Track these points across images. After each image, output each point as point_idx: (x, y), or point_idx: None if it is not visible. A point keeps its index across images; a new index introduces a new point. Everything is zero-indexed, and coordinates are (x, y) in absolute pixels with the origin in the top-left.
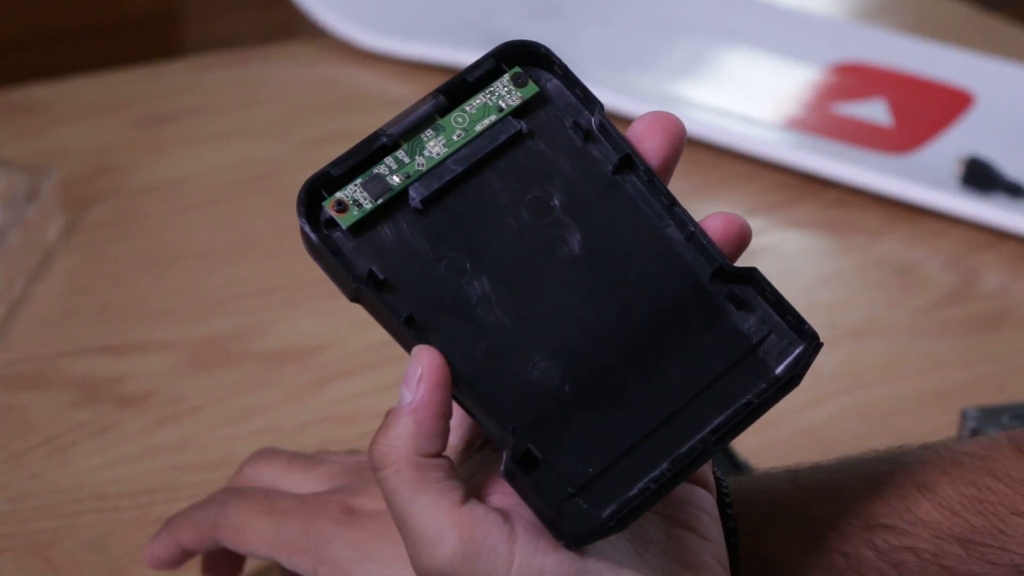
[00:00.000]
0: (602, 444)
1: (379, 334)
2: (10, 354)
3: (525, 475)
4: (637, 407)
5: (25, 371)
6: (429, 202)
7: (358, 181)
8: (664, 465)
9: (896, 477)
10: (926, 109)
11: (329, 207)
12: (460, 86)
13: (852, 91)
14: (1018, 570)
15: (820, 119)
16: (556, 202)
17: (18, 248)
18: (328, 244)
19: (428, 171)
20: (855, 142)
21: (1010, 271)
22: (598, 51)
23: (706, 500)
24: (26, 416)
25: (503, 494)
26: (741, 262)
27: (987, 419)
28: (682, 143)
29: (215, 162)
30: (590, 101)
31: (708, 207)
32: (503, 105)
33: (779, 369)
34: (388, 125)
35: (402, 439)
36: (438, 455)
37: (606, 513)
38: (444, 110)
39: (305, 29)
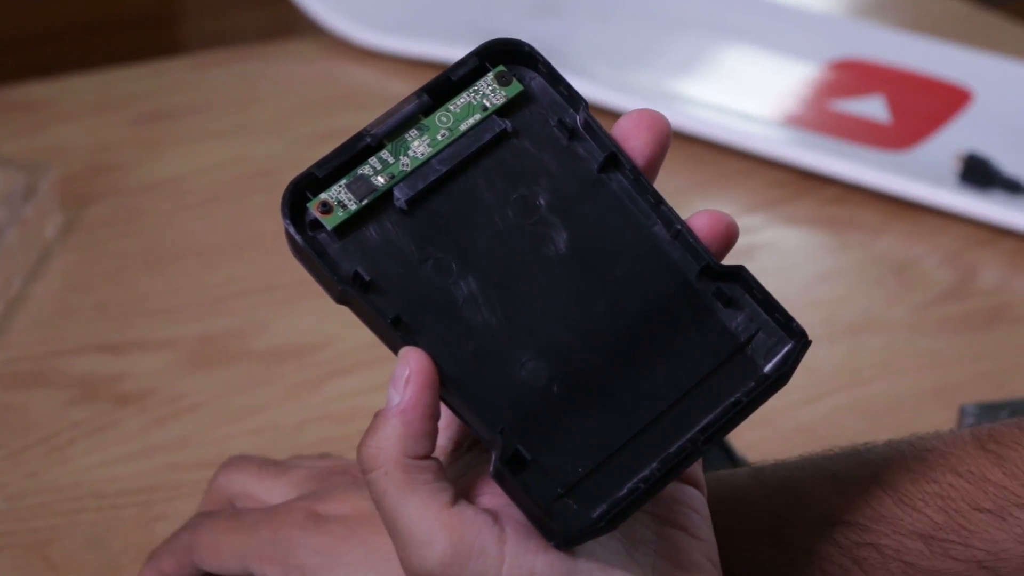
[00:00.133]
0: (591, 444)
1: None
2: (8, 352)
3: (514, 476)
4: (626, 406)
5: (23, 369)
6: (414, 202)
7: (343, 182)
8: (654, 465)
9: (858, 474)
10: (924, 106)
11: (314, 208)
12: (444, 85)
13: (850, 88)
14: (981, 565)
15: (818, 116)
16: (542, 201)
17: (16, 246)
18: (313, 245)
19: (413, 171)
20: (853, 139)
21: (1008, 267)
22: (596, 48)
23: (696, 499)
24: (24, 414)
25: (492, 495)
26: (735, 258)
27: (986, 415)
28: (668, 140)
29: (214, 160)
30: (575, 99)
31: (706, 204)
32: (487, 104)
33: (768, 367)
34: (372, 125)
35: (390, 441)
36: (427, 456)
37: (596, 513)
38: (428, 109)
39: (304, 27)
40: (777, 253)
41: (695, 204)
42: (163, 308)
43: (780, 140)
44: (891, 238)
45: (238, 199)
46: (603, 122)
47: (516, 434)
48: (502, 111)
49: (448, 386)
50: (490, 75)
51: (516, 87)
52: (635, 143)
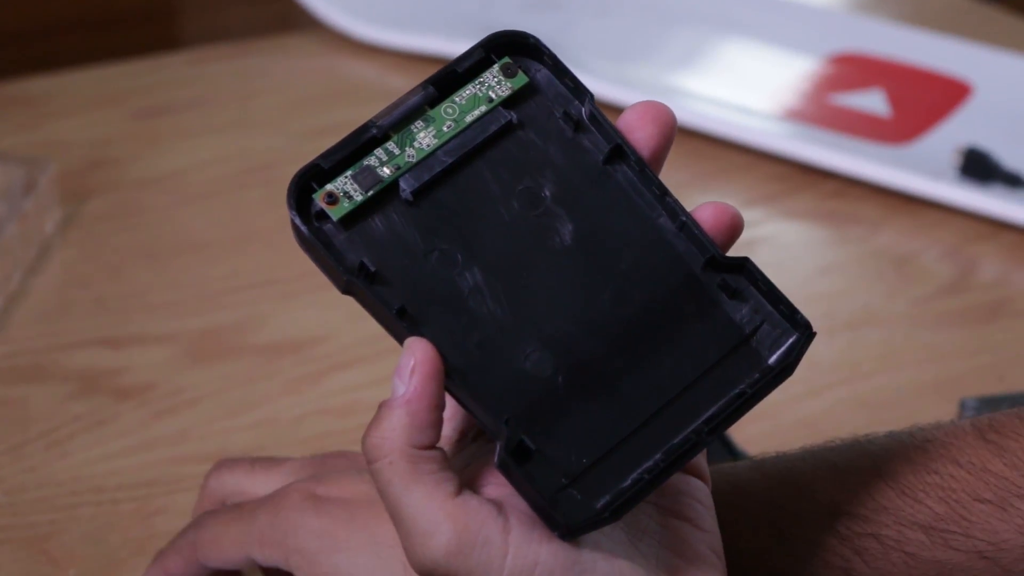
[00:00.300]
0: (596, 434)
1: (376, 326)
2: (8, 347)
3: (519, 466)
4: (630, 397)
5: (23, 364)
6: (420, 193)
7: (348, 173)
8: (658, 455)
9: (859, 465)
10: (924, 99)
11: (320, 199)
12: (450, 77)
13: (850, 82)
14: (982, 556)
15: (818, 110)
16: (547, 193)
17: (15, 241)
18: (319, 236)
19: (418, 162)
20: (853, 133)
21: (1008, 261)
22: (595, 42)
23: (701, 490)
24: (24, 409)
25: (497, 485)
26: (736, 252)
27: (986, 409)
28: (673, 133)
29: (213, 155)
30: (580, 91)
31: (706, 198)
32: (493, 96)
33: (772, 359)
34: (378, 116)
35: (395, 431)
36: (431, 447)
37: (600, 504)
38: (434, 101)
39: (303, 21)
40: (777, 247)
41: (695, 198)
42: (162, 302)
43: (780, 134)
44: (891, 232)
45: (237, 194)
46: (608, 116)
47: (521, 424)
48: (508, 103)
49: (453, 376)
50: (496, 67)
51: (522, 79)
52: (640, 135)
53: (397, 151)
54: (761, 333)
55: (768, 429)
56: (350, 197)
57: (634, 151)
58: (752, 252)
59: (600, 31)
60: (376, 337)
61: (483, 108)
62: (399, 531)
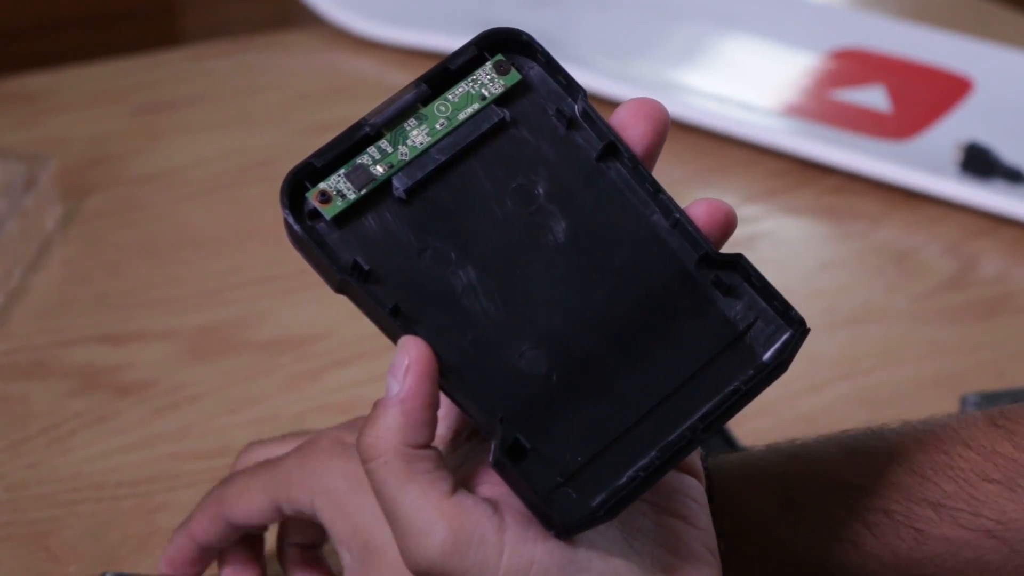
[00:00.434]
0: (591, 433)
1: None
2: (9, 343)
3: (514, 465)
4: (625, 395)
5: (24, 360)
6: (413, 192)
7: (341, 171)
8: (653, 453)
9: (870, 445)
10: (925, 95)
11: (312, 198)
12: (442, 74)
13: (851, 77)
14: (990, 534)
15: (819, 105)
16: (540, 190)
17: (16, 237)
18: (312, 235)
19: (411, 161)
20: (854, 128)
21: (1009, 257)
22: (596, 38)
23: (695, 488)
24: (25, 405)
25: (492, 484)
26: (736, 248)
27: (987, 405)
28: (666, 129)
29: (213, 151)
30: (573, 88)
31: (707, 194)
32: (486, 93)
33: (767, 355)
34: (371, 115)
35: (390, 430)
36: (426, 446)
37: (596, 502)
38: (427, 99)
39: (303, 17)
40: (777, 243)
41: (695, 194)
42: (163, 299)
43: (781, 130)
44: (892, 228)
45: (238, 190)
46: (602, 112)
47: (515, 423)
48: (501, 100)
49: (447, 375)
50: (488, 64)
51: (514, 76)
52: (633, 132)
53: (390, 149)
54: (755, 330)
55: (769, 425)
56: (343, 196)
57: (627, 148)
58: (753, 248)
59: (601, 27)
60: (376, 334)
61: (476, 106)
62: (394, 531)
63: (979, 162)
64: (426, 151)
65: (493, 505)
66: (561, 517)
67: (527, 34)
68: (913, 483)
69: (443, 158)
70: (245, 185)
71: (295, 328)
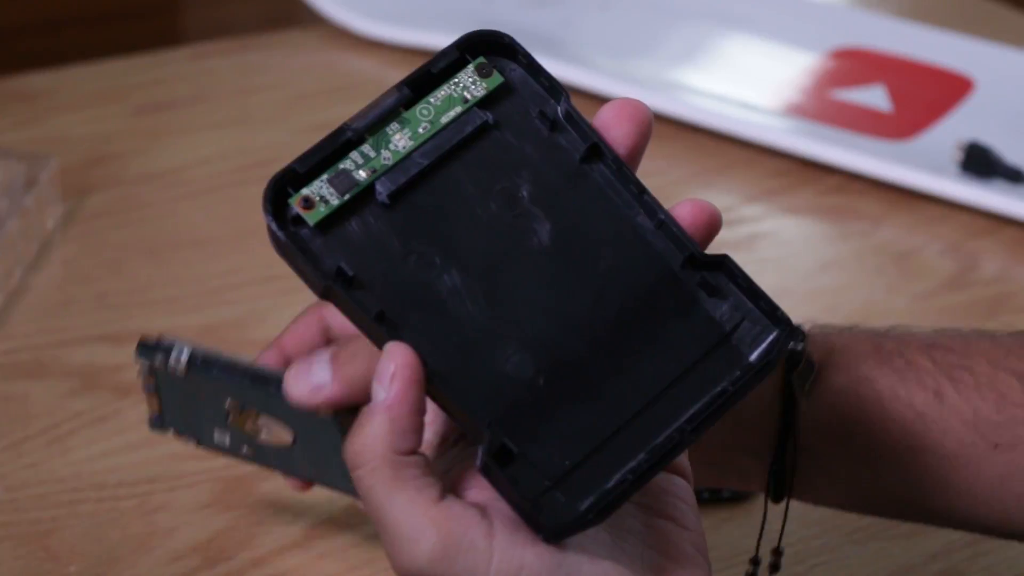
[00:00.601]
0: (578, 436)
1: None
2: (9, 343)
3: (501, 469)
4: (612, 398)
5: (24, 360)
6: (396, 196)
7: (324, 177)
8: (641, 455)
9: (959, 329)
10: (925, 95)
11: (295, 204)
12: (424, 78)
13: (851, 77)
14: None
15: (819, 105)
16: (524, 193)
17: (16, 237)
18: (295, 241)
19: (394, 165)
20: (855, 128)
21: (1010, 257)
22: (596, 38)
23: (684, 489)
24: (25, 405)
25: (480, 489)
26: (737, 248)
27: None
28: (649, 130)
29: (214, 150)
30: (556, 90)
31: (707, 193)
32: (468, 96)
33: (753, 356)
34: (353, 119)
35: (377, 437)
36: (413, 452)
37: (584, 506)
38: (409, 103)
39: (303, 17)
40: (778, 243)
41: (695, 193)
42: (163, 298)
43: (781, 129)
44: (892, 227)
45: (238, 189)
46: (594, 112)
47: (503, 428)
48: (483, 103)
49: (434, 380)
50: (470, 67)
51: (497, 79)
52: (617, 133)
53: (373, 154)
54: (742, 330)
55: None
56: (326, 201)
57: (611, 150)
58: (753, 248)
59: (601, 26)
60: None
61: (458, 109)
62: (383, 538)
63: (980, 162)
64: (409, 155)
65: (481, 510)
66: (549, 521)
67: (509, 36)
68: (999, 354)
69: (426, 162)
70: (245, 185)
71: None
